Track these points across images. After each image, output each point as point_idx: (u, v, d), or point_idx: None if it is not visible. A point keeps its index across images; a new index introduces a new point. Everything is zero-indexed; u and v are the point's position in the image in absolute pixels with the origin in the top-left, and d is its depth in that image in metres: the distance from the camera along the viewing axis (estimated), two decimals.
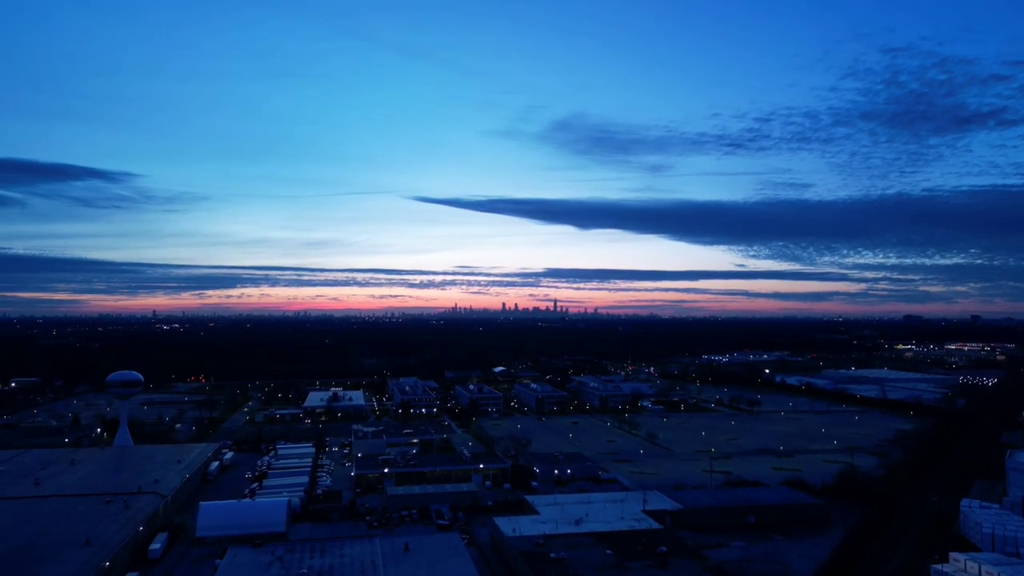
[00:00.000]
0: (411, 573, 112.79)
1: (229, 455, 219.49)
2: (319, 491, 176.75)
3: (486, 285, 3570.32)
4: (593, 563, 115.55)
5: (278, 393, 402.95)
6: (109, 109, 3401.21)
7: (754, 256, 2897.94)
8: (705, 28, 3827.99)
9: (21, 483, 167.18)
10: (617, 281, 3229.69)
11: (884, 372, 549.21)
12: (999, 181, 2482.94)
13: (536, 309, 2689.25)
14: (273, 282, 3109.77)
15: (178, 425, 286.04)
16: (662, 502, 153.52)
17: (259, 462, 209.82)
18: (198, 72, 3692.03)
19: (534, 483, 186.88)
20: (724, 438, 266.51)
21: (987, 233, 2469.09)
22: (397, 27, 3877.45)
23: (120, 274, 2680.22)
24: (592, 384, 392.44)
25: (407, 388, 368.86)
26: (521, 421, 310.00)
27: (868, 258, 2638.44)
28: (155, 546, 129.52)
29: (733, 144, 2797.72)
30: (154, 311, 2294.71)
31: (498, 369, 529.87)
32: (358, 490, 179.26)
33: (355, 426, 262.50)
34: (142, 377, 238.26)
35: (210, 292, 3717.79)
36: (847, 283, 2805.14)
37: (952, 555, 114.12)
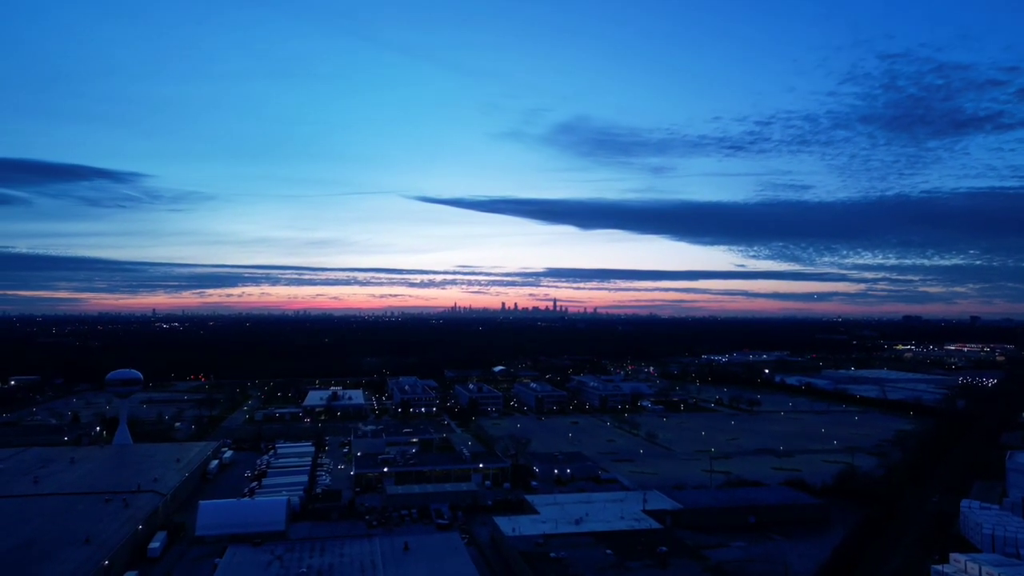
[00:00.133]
0: (411, 572, 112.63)
1: (228, 454, 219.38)
2: (318, 490, 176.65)
3: (486, 285, 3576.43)
4: (593, 563, 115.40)
5: (277, 392, 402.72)
6: (118, 110, 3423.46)
7: (754, 256, 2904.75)
8: (707, 34, 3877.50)
9: (20, 481, 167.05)
10: (617, 281, 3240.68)
11: (884, 372, 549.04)
12: (997, 183, 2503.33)
13: (536, 309, 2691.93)
14: (274, 281, 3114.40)
15: (177, 424, 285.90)
16: (662, 502, 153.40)
17: (258, 461, 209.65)
18: (205, 73, 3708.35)
19: (534, 483, 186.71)
20: (724, 438, 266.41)
21: (986, 234, 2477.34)
22: (401, 28, 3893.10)
23: (122, 273, 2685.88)
24: (592, 384, 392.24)
25: (407, 387, 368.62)
26: (521, 420, 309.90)
27: (867, 259, 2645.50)
28: (154, 545, 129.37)
29: (734, 146, 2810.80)
30: (153, 310, 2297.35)
31: (498, 368, 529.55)
32: (357, 489, 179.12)
33: (355, 425, 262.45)
34: (141, 376, 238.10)
35: (211, 291, 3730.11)
36: (847, 283, 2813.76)
37: (952, 556, 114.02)
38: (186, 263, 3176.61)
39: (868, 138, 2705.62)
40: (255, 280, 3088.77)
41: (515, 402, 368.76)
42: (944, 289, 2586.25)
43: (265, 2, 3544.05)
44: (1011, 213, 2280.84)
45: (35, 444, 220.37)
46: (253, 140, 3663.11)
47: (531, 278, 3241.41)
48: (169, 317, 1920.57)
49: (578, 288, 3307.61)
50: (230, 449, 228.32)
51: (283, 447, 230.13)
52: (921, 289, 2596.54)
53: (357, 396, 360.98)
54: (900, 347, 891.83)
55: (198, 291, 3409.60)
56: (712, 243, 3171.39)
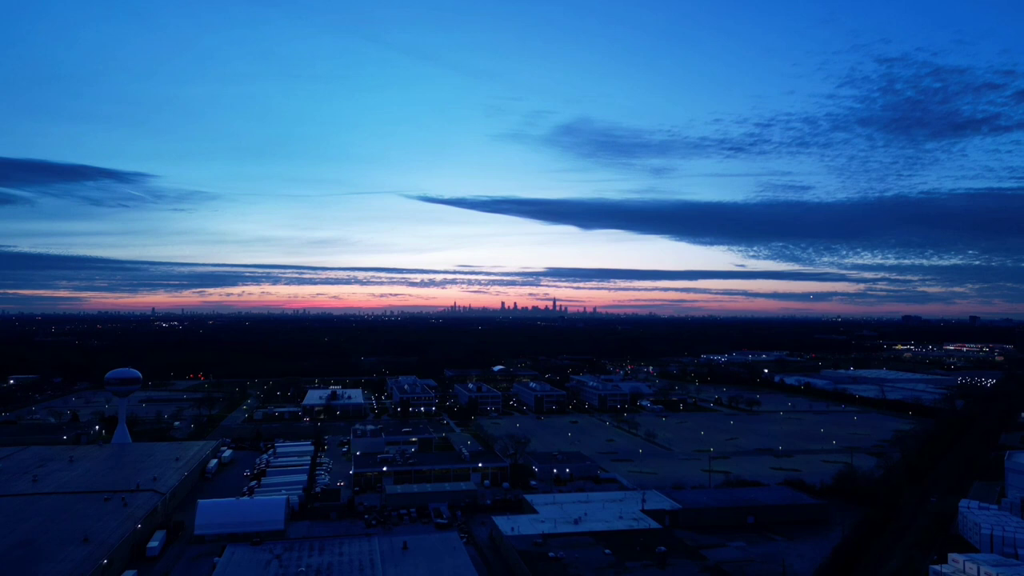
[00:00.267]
0: (409, 572, 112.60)
1: (228, 453, 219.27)
2: (318, 489, 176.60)
3: (486, 284, 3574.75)
4: (592, 562, 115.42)
5: (277, 391, 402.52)
6: (123, 110, 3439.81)
7: (754, 256, 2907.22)
8: (708, 38, 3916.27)
9: (19, 480, 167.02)
10: (617, 280, 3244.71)
11: (883, 372, 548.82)
12: (994, 184, 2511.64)
13: (535, 308, 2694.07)
14: (275, 280, 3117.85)
15: (176, 423, 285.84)
16: (661, 502, 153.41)
17: (258, 460, 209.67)
18: (208, 73, 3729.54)
19: (533, 482, 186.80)
20: (723, 438, 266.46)
21: (985, 234, 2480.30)
22: (405, 29, 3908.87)
23: (122, 272, 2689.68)
24: (591, 383, 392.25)
25: (406, 387, 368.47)
26: (520, 420, 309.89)
27: (867, 259, 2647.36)
28: (153, 544, 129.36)
29: (734, 148, 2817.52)
30: (152, 308, 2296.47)
31: (497, 368, 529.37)
32: (357, 488, 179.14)
33: (354, 425, 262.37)
34: (140, 375, 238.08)
35: (211, 290, 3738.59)
36: (846, 283, 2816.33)
37: (951, 556, 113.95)
38: (187, 262, 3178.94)
39: (867, 140, 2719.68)
40: (256, 279, 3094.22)
41: (514, 402, 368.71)
42: (943, 289, 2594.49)
43: (270, 2, 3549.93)
44: (1009, 213, 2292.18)
45: (34, 443, 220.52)
46: (256, 140, 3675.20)
47: (531, 278, 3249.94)
48: (168, 316, 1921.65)
49: (578, 288, 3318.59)
50: (229, 448, 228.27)
51: (282, 446, 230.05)
52: (920, 289, 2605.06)
53: (356, 395, 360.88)
54: (899, 347, 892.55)
55: (199, 290, 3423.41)
56: (712, 243, 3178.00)
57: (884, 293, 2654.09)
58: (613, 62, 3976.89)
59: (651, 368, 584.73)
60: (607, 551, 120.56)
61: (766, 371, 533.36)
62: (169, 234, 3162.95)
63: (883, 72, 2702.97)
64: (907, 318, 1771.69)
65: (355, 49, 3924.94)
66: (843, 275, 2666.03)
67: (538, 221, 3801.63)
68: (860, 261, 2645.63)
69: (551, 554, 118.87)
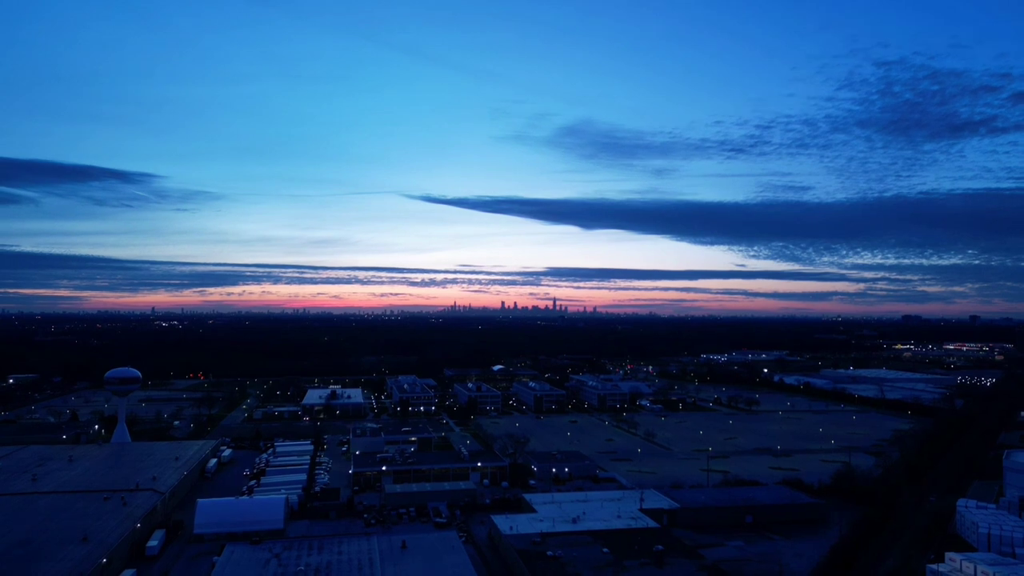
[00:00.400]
0: (409, 571, 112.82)
1: (227, 452, 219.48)
2: (317, 489, 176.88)
3: (487, 284, 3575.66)
4: (590, 561, 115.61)
5: (276, 391, 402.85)
6: (127, 110, 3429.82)
7: (754, 256, 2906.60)
8: (709, 41, 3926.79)
9: (19, 479, 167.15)
10: (617, 280, 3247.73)
11: (882, 372, 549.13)
12: (993, 185, 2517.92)
13: (536, 308, 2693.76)
14: (275, 280, 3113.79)
15: (176, 422, 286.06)
16: (659, 501, 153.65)
17: (257, 459, 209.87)
18: (210, 73, 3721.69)
19: (532, 481, 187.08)
20: (722, 437, 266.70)
21: (984, 234, 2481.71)
22: (406, 29, 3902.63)
23: (123, 271, 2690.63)
24: (591, 383, 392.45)
25: (406, 386, 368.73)
26: (519, 419, 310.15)
27: (867, 258, 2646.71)
28: (152, 543, 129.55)
29: (735, 149, 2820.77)
30: (153, 308, 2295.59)
31: (497, 367, 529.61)
32: (356, 488, 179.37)
33: (354, 424, 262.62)
34: (140, 374, 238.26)
35: (212, 289, 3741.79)
36: (846, 283, 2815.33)
37: (948, 555, 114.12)
38: (187, 261, 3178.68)
39: (866, 141, 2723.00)
40: (256, 279, 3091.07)
41: (514, 401, 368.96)
42: (943, 289, 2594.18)
43: (270, 2, 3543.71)
44: (1008, 213, 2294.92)
45: (33, 442, 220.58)
46: (257, 140, 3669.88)
47: (532, 277, 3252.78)
48: (169, 316, 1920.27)
49: (578, 287, 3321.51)
50: (229, 448, 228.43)
51: (282, 446, 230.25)
52: (920, 289, 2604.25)
53: (356, 395, 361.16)
54: (899, 346, 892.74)
55: (199, 290, 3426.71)
56: (712, 243, 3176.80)
57: (884, 293, 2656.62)
58: (616, 64, 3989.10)
59: (651, 368, 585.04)
60: (605, 550, 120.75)
61: (766, 371, 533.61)
62: (171, 234, 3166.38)
63: (881, 75, 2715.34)
64: (907, 318, 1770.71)
65: (356, 49, 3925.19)
66: (843, 275, 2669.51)
67: (539, 221, 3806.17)
68: (860, 261, 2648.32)
69: (549, 553, 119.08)
